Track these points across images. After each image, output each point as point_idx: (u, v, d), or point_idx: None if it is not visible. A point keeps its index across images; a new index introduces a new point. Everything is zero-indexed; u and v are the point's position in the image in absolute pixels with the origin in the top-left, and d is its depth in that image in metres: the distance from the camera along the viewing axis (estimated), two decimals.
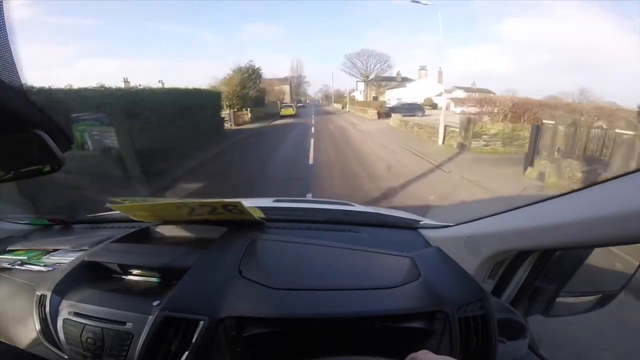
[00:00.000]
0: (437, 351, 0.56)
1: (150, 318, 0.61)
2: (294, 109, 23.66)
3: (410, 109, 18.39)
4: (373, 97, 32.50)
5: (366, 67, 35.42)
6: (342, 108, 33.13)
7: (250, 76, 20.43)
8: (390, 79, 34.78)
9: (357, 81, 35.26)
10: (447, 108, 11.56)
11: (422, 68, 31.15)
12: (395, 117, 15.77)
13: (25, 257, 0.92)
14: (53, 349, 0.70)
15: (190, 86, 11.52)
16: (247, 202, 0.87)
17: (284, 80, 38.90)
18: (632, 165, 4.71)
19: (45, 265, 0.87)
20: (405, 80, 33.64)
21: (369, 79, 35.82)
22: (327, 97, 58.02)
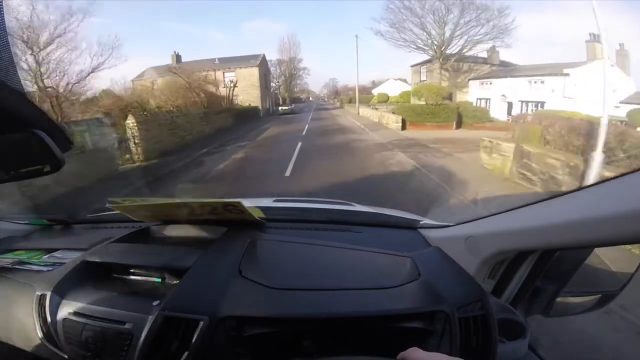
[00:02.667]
0: (437, 351, 0.56)
1: (150, 318, 0.61)
2: None
3: None
4: (444, 98, 13.28)
5: (441, 27, 14.85)
6: (387, 125, 13.05)
7: None
8: (478, 60, 16.49)
9: (423, 64, 15.03)
10: None
11: (595, 38, 11.64)
12: None
13: (25, 257, 0.92)
14: (53, 349, 0.70)
15: None
16: (247, 202, 0.87)
17: (243, 61, 22.61)
18: None
19: (45, 265, 0.87)
20: (507, 65, 15.99)
21: (444, 54, 15.73)
22: (336, 93, 47.66)
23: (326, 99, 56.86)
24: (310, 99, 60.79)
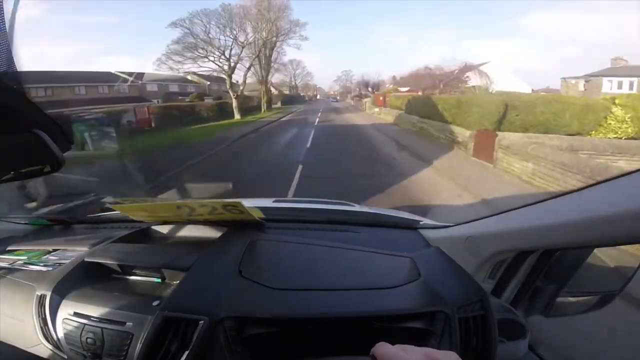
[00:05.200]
0: None
1: (150, 318, 0.61)
2: None
3: None
4: None
5: None
6: None
7: None
8: None
9: None
10: None
11: None
12: None
13: (25, 257, 0.92)
14: (53, 349, 0.70)
15: None
16: (247, 202, 0.87)
17: None
18: None
19: (45, 265, 0.87)
20: None
21: None
22: (363, 87, 30.47)
23: (338, 98, 41.45)
24: (318, 96, 47.34)
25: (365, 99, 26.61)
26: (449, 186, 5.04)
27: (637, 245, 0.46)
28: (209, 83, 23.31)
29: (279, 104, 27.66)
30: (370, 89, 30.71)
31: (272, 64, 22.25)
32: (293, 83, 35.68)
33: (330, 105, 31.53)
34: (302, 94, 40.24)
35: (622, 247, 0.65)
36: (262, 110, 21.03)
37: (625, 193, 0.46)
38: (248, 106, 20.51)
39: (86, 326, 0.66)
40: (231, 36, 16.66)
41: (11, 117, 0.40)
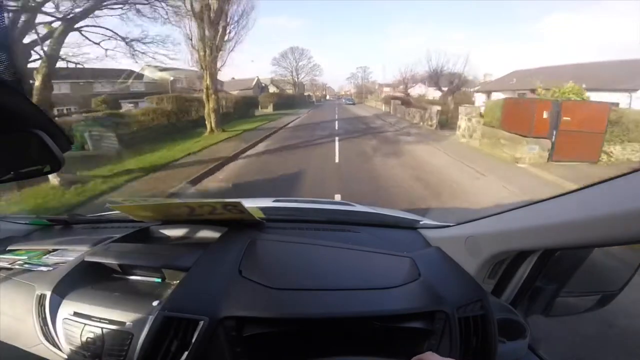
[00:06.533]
0: (436, 351, 0.56)
1: (150, 318, 0.61)
2: None
3: None
4: None
5: None
6: None
7: None
8: None
9: None
10: None
11: None
12: None
13: (25, 257, 0.92)
14: (53, 349, 0.70)
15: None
16: (247, 202, 0.87)
17: None
18: None
19: (45, 265, 0.87)
20: None
21: None
22: (429, 81, 18.46)
23: (353, 99, 34.26)
24: (328, 97, 42.78)
25: (436, 107, 12.86)
26: None
27: (637, 245, 0.46)
28: (172, 79, 13.49)
29: (270, 108, 17.13)
30: (456, 86, 16.57)
31: (229, 28, 9.59)
32: (296, 79, 26.58)
33: (349, 110, 18.59)
34: (308, 94, 29.74)
35: (622, 247, 0.65)
36: (209, 128, 10.25)
37: (625, 193, 0.46)
38: (190, 120, 10.42)
39: (86, 326, 0.66)
40: None
41: (11, 117, 0.40)
